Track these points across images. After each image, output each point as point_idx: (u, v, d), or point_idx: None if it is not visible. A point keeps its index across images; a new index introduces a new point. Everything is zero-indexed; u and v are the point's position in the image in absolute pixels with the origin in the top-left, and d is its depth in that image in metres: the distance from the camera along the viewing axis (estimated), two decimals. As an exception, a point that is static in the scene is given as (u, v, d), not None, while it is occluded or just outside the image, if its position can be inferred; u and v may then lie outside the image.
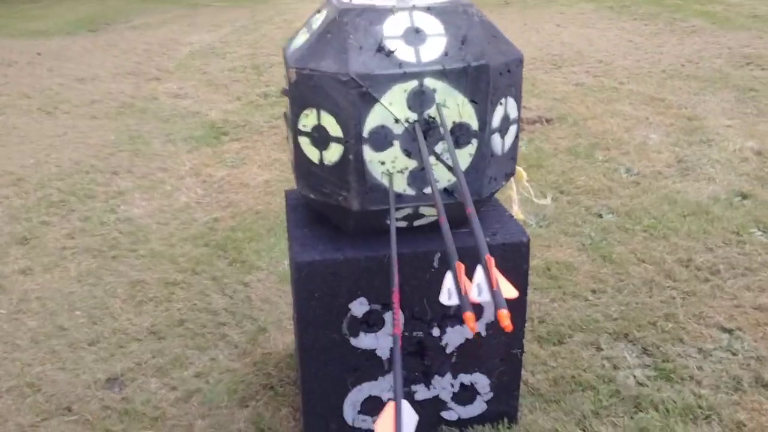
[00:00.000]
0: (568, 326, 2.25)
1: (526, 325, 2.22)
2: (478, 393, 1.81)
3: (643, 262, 2.62)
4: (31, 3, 11.21)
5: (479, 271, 0.89)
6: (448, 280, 0.90)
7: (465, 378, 1.79)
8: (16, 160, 4.02)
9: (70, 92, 5.58)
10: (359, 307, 1.67)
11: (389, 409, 0.87)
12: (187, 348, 2.25)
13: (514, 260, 1.69)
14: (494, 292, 0.83)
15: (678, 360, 2.06)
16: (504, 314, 0.77)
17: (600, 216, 3.03)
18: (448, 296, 0.89)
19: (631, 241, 2.78)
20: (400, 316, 0.98)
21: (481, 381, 1.80)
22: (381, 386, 1.76)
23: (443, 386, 1.79)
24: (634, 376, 2.01)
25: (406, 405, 0.88)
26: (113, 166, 3.88)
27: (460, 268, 0.92)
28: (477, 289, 0.88)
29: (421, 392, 1.79)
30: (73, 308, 2.50)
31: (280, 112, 5.03)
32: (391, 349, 1.71)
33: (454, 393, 1.80)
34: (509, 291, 0.87)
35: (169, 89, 5.56)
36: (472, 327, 0.82)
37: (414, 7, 1.54)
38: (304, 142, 1.59)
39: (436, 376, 1.77)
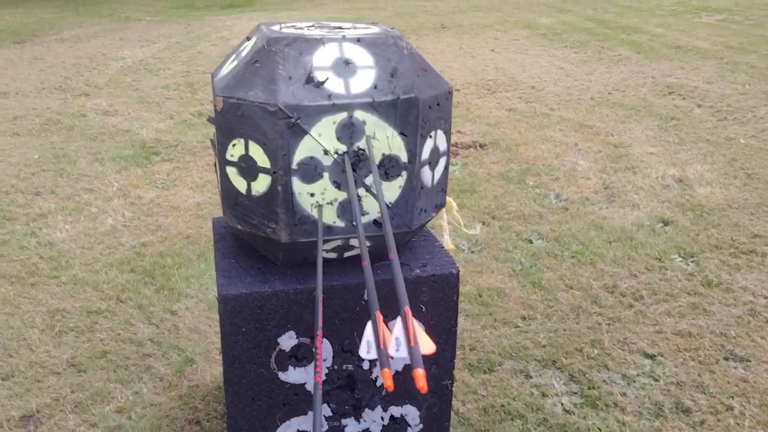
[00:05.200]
0: (499, 354, 2.27)
1: (457, 353, 2.24)
2: (409, 425, 1.80)
3: (571, 288, 2.67)
4: (-49, 11, 10.74)
5: (398, 324, 0.88)
6: (368, 331, 0.89)
7: (395, 410, 1.77)
8: (-71, 178, 3.81)
9: (-9, 107, 5.35)
10: (288, 340, 1.64)
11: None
12: (110, 381, 2.15)
13: (444, 292, 1.69)
14: (411, 350, 0.82)
15: (603, 387, 2.11)
16: (420, 374, 0.76)
17: (530, 242, 3.09)
18: (366, 349, 0.87)
19: (559, 267, 2.84)
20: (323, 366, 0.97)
21: (411, 413, 1.79)
22: (311, 421, 1.73)
23: (373, 419, 1.77)
24: (562, 404, 2.04)
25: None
26: (35, 187, 3.72)
27: (380, 318, 0.90)
28: (395, 344, 0.86)
29: (351, 426, 1.76)
30: (-15, 339, 2.36)
31: (214, 131, 4.98)
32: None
33: (384, 426, 1.78)
34: (427, 346, 0.86)
35: (99, 106, 5.40)
36: (389, 385, 0.80)
37: (344, 38, 1.54)
38: (232, 172, 1.56)
39: (366, 410, 1.75)
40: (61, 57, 7.29)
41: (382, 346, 0.85)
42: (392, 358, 0.84)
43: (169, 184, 3.79)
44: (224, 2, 12.54)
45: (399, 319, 0.87)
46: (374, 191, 1.53)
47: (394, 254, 1.06)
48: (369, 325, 0.89)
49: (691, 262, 2.87)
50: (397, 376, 1.74)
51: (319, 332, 1.04)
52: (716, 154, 4.18)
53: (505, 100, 5.60)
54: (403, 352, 0.85)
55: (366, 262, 1.07)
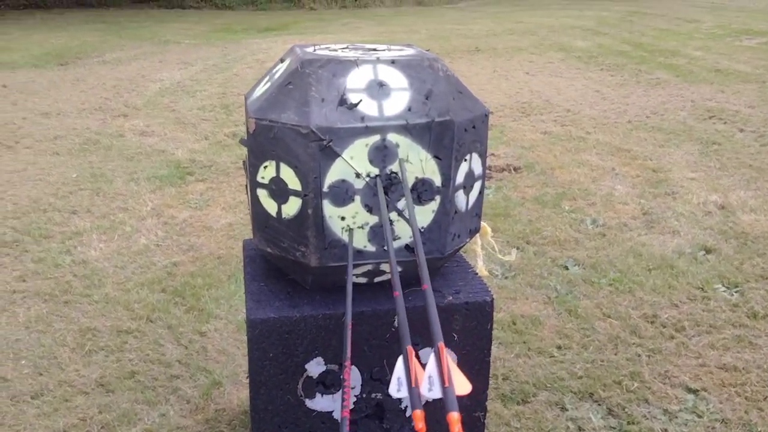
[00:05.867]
0: (533, 384, 2.20)
1: (489, 383, 2.17)
2: (439, 457, 1.74)
3: (609, 318, 2.59)
4: (-1, 34, 11.10)
5: (432, 361, 0.83)
6: (399, 367, 0.84)
7: (425, 441, 1.71)
8: (-30, 196, 3.89)
9: (34, 127, 5.47)
10: (316, 367, 1.60)
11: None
12: (137, 403, 2.13)
13: (478, 320, 1.64)
14: (445, 390, 0.77)
15: (643, 422, 2.02)
16: (455, 418, 0.71)
17: (566, 268, 3.01)
18: (397, 387, 0.83)
19: (596, 295, 2.75)
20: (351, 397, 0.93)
21: (442, 444, 1.73)
22: (337, 450, 1.68)
23: (402, 450, 1.71)
24: (600, 439, 1.96)
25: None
26: (72, 205, 3.77)
27: (411, 354, 0.86)
28: (428, 383, 0.82)
29: (380, 456, 1.71)
30: (18, 357, 2.37)
31: (246, 154, 5.00)
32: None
33: (413, 457, 1.72)
34: (462, 387, 0.81)
35: (136, 126, 5.49)
36: (420, 428, 0.75)
37: (378, 60, 1.52)
38: (263, 195, 1.54)
39: (395, 440, 1.70)
40: (103, 79, 7.45)
41: (413, 385, 0.80)
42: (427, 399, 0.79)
43: (202, 204, 3.81)
44: (261, 26, 12.74)
45: (432, 356, 0.83)
46: (407, 216, 1.50)
47: (427, 285, 1.02)
48: (400, 361, 0.84)
49: (736, 292, 2.76)
50: (427, 406, 1.68)
51: (348, 362, 1.00)
52: (760, 180, 4.05)
53: (539, 123, 5.53)
54: (437, 392, 0.80)
55: (397, 293, 1.03)
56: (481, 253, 1.85)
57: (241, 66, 8.16)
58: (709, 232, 3.34)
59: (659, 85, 6.89)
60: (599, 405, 2.10)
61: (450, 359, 0.81)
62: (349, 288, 1.25)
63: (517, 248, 3.20)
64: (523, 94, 6.55)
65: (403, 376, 0.84)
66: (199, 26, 12.85)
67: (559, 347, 2.41)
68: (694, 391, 2.16)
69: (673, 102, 6.14)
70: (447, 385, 0.79)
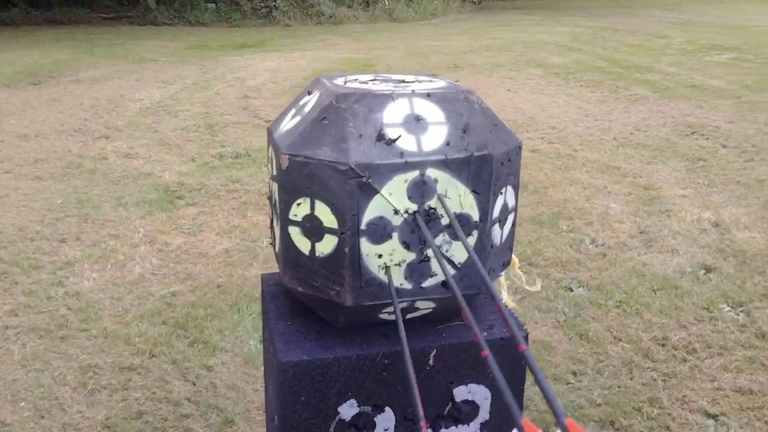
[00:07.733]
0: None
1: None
2: (472, 496, 1.69)
3: (620, 341, 2.58)
4: (-32, 53, 10.83)
5: None
6: None
7: (459, 481, 1.67)
8: (-48, 225, 3.75)
9: (12, 150, 5.32)
10: (348, 409, 1.55)
11: None
12: (147, 444, 2.06)
13: (513, 354, 1.60)
14: None
15: (669, 450, 2.00)
16: None
17: (571, 290, 3.00)
18: None
19: (605, 318, 2.75)
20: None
21: (475, 483, 1.68)
22: (369, 493, 1.62)
23: (436, 491, 1.66)
24: (627, 470, 1.93)
25: None
26: (61, 233, 3.66)
27: (529, 428, 0.83)
28: None
29: (413, 498, 1.66)
30: (17, 398, 2.27)
31: (237, 174, 4.91)
32: (384, 454, 1.59)
33: (447, 497, 1.68)
34: None
35: (119, 148, 5.37)
36: None
37: (414, 93, 1.48)
38: (294, 232, 1.49)
39: (428, 481, 1.65)
40: (79, 99, 7.30)
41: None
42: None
43: (196, 229, 3.73)
44: (237, 43, 12.66)
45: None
46: (444, 251, 1.46)
47: (524, 347, 0.97)
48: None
49: (741, 312, 2.77)
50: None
51: (423, 423, 0.96)
52: (749, 196, 4.11)
53: (527, 140, 5.56)
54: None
55: (486, 352, 0.98)
56: (505, 284, 1.82)
57: (221, 85, 8.07)
58: (707, 250, 3.36)
59: (638, 101, 6.99)
60: (622, 434, 2.08)
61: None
62: (401, 327, 1.21)
63: (520, 269, 3.17)
64: (507, 112, 6.58)
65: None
66: (173, 43, 12.71)
67: (574, 373, 2.39)
68: (714, 417, 2.15)
69: (654, 118, 6.22)
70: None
